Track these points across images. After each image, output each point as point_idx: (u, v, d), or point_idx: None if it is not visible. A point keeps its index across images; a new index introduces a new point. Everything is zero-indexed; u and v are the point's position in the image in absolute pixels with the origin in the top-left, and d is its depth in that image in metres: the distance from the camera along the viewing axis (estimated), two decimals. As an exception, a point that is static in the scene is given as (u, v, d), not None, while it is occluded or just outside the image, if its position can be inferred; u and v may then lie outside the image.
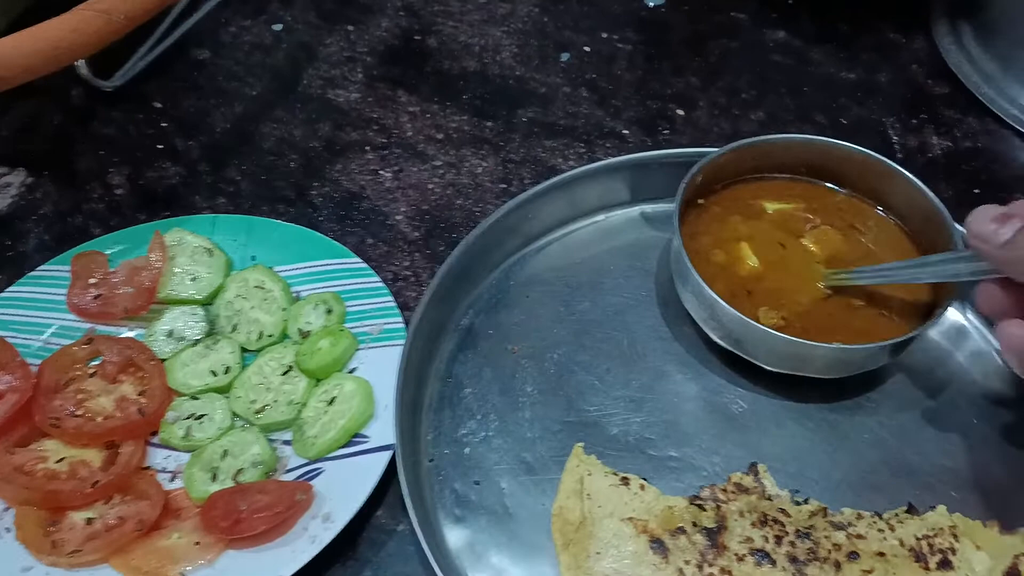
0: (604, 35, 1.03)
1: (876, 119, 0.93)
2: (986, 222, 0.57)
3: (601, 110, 0.95)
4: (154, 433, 0.68)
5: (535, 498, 0.65)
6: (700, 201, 0.76)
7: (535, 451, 0.67)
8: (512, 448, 0.67)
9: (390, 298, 0.72)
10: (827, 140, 0.75)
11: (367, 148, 0.91)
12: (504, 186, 0.88)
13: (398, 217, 0.85)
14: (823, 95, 0.96)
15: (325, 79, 0.98)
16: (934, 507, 0.62)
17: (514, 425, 0.69)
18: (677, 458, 0.67)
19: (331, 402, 0.66)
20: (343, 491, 0.62)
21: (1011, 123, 0.92)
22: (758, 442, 0.67)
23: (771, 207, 0.76)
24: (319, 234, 0.77)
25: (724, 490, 0.63)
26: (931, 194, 0.70)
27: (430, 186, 0.87)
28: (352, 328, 0.71)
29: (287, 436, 0.67)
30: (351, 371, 0.69)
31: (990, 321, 0.73)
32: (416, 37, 1.03)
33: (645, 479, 0.64)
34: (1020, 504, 0.64)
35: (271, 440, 0.67)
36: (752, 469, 0.65)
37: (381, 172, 0.89)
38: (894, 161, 0.74)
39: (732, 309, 0.65)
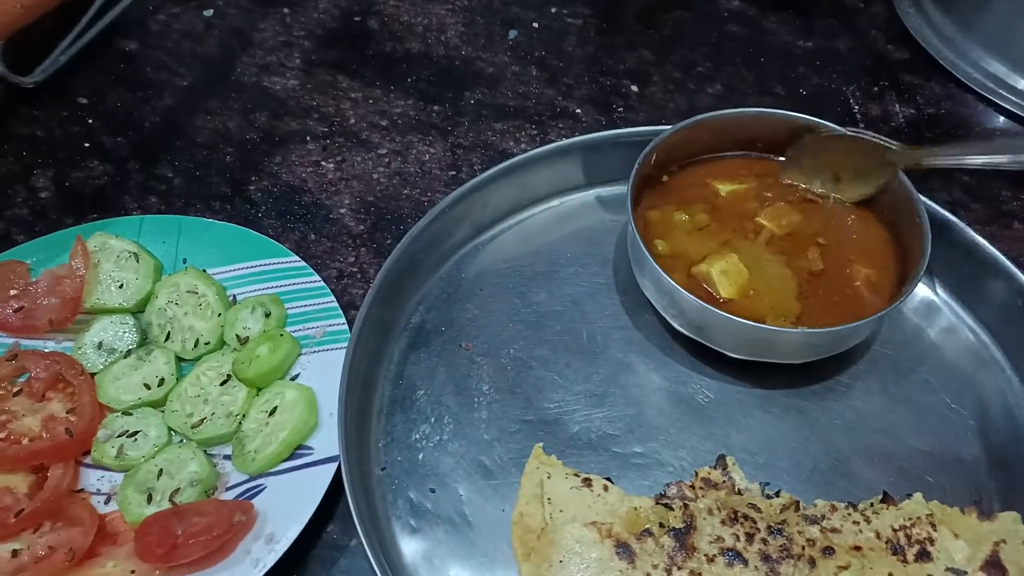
0: (553, 10, 0.99)
1: (837, 88, 0.90)
2: None
3: (552, 89, 0.91)
4: (86, 453, 0.64)
5: (494, 504, 0.61)
6: (664, 179, 0.72)
7: (493, 454, 0.64)
8: (469, 452, 0.64)
9: (331, 298, 0.68)
10: (779, 113, 0.72)
11: (307, 138, 0.86)
12: (453, 173, 0.83)
13: (342, 210, 0.80)
14: (781, 65, 0.93)
15: (261, 66, 0.93)
16: (910, 495, 0.59)
17: (470, 427, 0.65)
18: (642, 454, 0.64)
19: (272, 412, 0.62)
20: (287, 508, 0.58)
21: (973, 87, 0.89)
22: (726, 433, 0.64)
23: (724, 188, 0.72)
24: (254, 232, 0.73)
25: (692, 486, 0.60)
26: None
27: (375, 176, 0.83)
28: (293, 331, 0.67)
29: (227, 450, 0.63)
30: (293, 378, 0.65)
31: (960, 295, 0.71)
32: (356, 18, 0.98)
33: (609, 479, 0.60)
34: (997, 486, 0.62)
35: (210, 455, 0.63)
36: (720, 462, 0.62)
37: (323, 163, 0.84)
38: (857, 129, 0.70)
39: (691, 296, 0.61)
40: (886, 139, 0.68)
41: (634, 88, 0.91)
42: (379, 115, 0.88)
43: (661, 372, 0.68)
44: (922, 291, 0.72)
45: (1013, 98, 0.87)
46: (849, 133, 0.70)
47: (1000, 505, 0.61)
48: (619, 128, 0.85)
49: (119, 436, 0.63)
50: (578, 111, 0.89)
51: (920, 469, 0.62)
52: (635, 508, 0.58)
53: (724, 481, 0.61)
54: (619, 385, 0.67)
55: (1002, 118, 0.88)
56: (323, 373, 0.64)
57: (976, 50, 0.90)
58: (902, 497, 0.60)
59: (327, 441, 0.61)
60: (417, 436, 0.64)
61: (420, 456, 0.63)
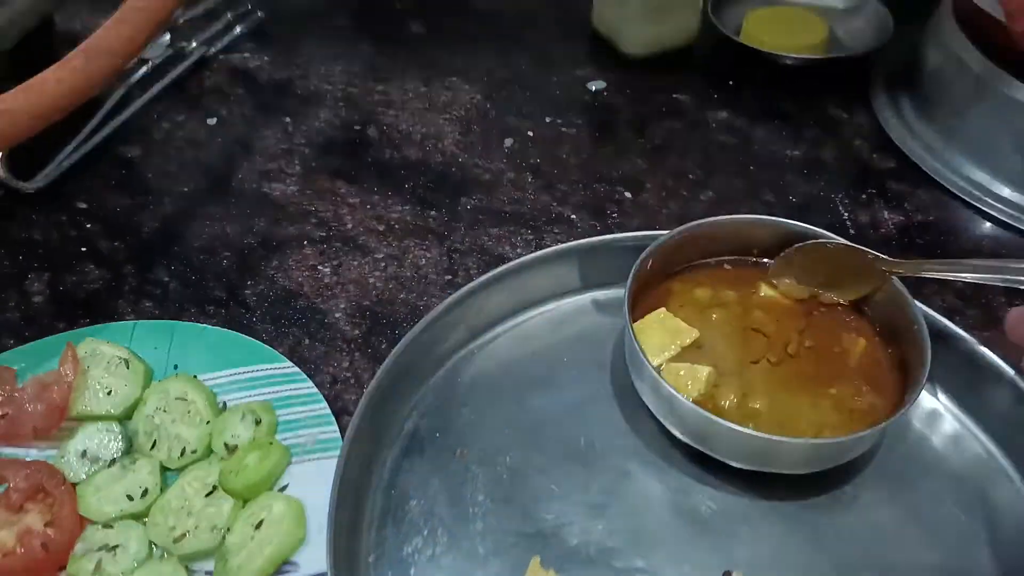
0: (547, 119, 1.02)
1: (825, 195, 0.92)
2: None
3: (547, 195, 0.92)
4: (62, 568, 0.61)
5: (490, 626, 0.58)
6: (673, 282, 0.73)
7: (489, 569, 0.61)
8: (463, 567, 0.61)
9: (324, 405, 0.67)
10: (776, 220, 0.73)
11: (305, 243, 0.87)
12: (449, 277, 0.83)
13: (337, 315, 0.80)
14: (770, 173, 0.95)
15: (261, 172, 0.95)
16: (924, 615, 0.57)
17: (465, 540, 0.62)
18: (644, 569, 0.61)
19: (259, 526, 0.60)
20: (271, 631, 0.55)
21: (959, 195, 0.91)
22: (730, 547, 0.62)
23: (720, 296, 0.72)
24: (247, 337, 0.72)
25: (697, 605, 0.57)
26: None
27: (371, 280, 0.83)
28: (284, 440, 0.65)
29: (210, 566, 0.60)
30: (282, 488, 0.63)
31: (963, 402, 0.70)
32: (356, 127, 1.01)
33: (610, 596, 0.58)
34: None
35: (192, 571, 0.60)
36: (726, 577, 0.59)
37: (319, 267, 0.84)
38: (847, 237, 0.71)
39: (691, 404, 0.60)
40: (877, 253, 0.69)
41: (627, 195, 0.92)
42: (376, 220, 0.89)
43: (662, 481, 0.66)
44: (925, 398, 0.71)
45: (998, 204, 0.89)
46: (841, 244, 0.70)
47: (1019, 624, 0.58)
48: (614, 232, 0.86)
49: (98, 550, 0.61)
50: (573, 216, 0.90)
51: (935, 587, 0.60)
52: (638, 629, 0.55)
53: (730, 599, 0.58)
54: (619, 495, 0.65)
55: (988, 224, 0.89)
56: (313, 483, 0.62)
57: (958, 158, 0.92)
58: (917, 617, 0.57)
59: (314, 556, 0.58)
60: (409, 550, 0.62)
61: (412, 572, 0.61)
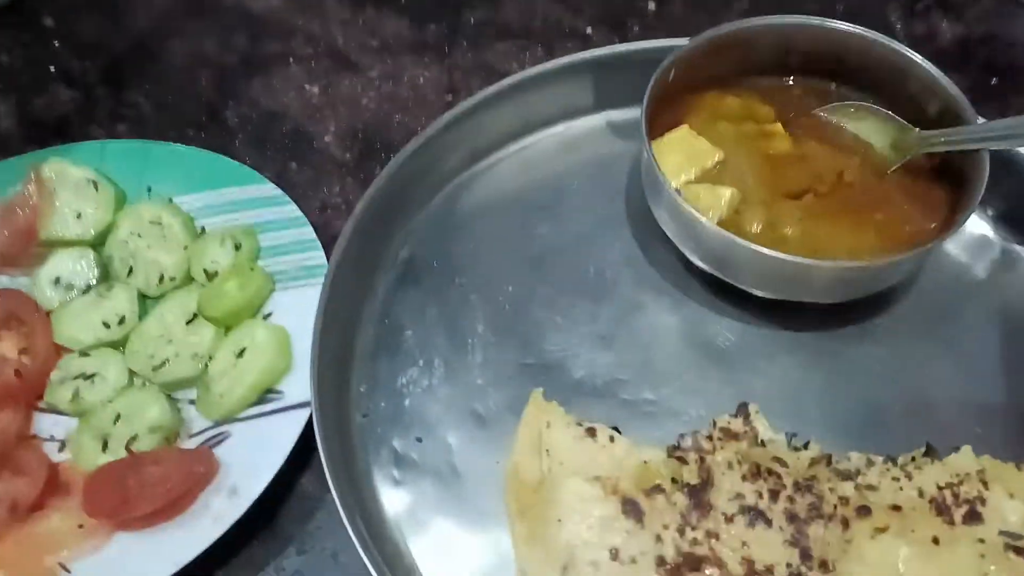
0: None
1: (877, 4, 0.81)
2: None
3: (561, 6, 0.82)
4: (40, 396, 0.58)
5: (487, 455, 0.55)
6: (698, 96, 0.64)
7: (487, 400, 0.57)
8: (460, 398, 0.57)
9: (309, 229, 0.61)
10: (819, 22, 0.63)
11: (290, 60, 0.79)
12: (450, 97, 0.76)
13: (327, 138, 0.73)
14: (815, -21, 0.84)
15: (242, -16, 0.85)
16: (957, 448, 0.52)
17: (463, 371, 0.58)
18: (654, 402, 0.57)
19: (241, 354, 0.56)
20: (253, 458, 0.52)
21: (1028, 3, 0.80)
22: (748, 379, 0.57)
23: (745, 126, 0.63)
24: (225, 158, 0.66)
25: (709, 437, 0.53)
26: (948, 82, 0.59)
27: (364, 101, 0.75)
28: (267, 266, 0.60)
29: (193, 395, 0.57)
30: (266, 316, 0.58)
31: (1018, 229, 0.63)
32: (348, -71, 0.89)
33: (616, 428, 0.54)
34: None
35: (174, 399, 0.57)
36: (741, 410, 0.55)
37: (307, 87, 0.77)
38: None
39: (714, 226, 0.54)
40: (904, 123, 0.61)
41: (651, 5, 0.82)
42: (370, 35, 0.80)
43: (677, 312, 0.61)
44: (973, 223, 0.64)
45: (1075, 14, 0.78)
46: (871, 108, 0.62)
47: (1060, 460, 0.53)
48: (634, 47, 0.77)
49: (75, 378, 0.58)
50: (589, 31, 0.80)
51: (968, 420, 0.55)
52: (645, 462, 0.51)
53: (746, 431, 0.54)
54: (629, 326, 0.60)
55: (1060, 37, 0.78)
56: (298, 311, 0.58)
57: (1035, -40, 0.80)
58: (948, 450, 0.53)
59: (300, 385, 0.54)
60: (403, 381, 0.58)
61: (406, 402, 0.57)
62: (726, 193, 0.59)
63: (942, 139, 0.58)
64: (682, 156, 0.61)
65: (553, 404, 0.55)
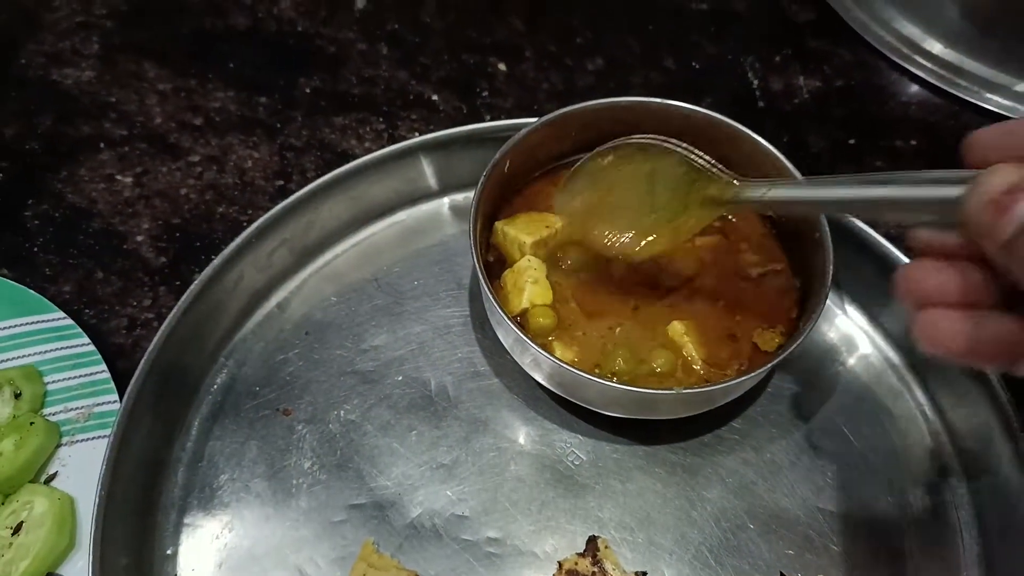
0: (406, -27, 0.83)
1: (734, 58, 0.78)
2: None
3: (405, 71, 0.76)
4: None
5: (313, 623, 0.49)
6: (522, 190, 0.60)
7: (313, 555, 0.51)
8: (283, 554, 0.51)
9: (103, 368, 0.54)
10: (652, 101, 0.58)
11: (102, 145, 0.70)
12: (281, 183, 0.69)
13: (139, 238, 0.65)
14: (671, 31, 0.80)
15: (49, 55, 0.76)
16: (811, 579, 0.49)
17: (287, 520, 0.52)
18: (498, 541, 0.52)
19: (18, 529, 0.49)
20: (29, 667, 0.45)
21: (885, 52, 0.78)
22: (599, 505, 0.53)
23: None
24: (4, 279, 0.57)
25: (554, 585, 0.49)
26: (783, 159, 0.55)
27: (183, 191, 0.68)
28: (52, 415, 0.53)
29: (-31, 579, 0.49)
30: (49, 479, 0.51)
31: (870, 313, 0.61)
32: (168, -11, 0.81)
33: (453, 581, 0.49)
34: (911, 548, 0.52)
35: (-53, 586, 0.49)
36: (590, 546, 0.51)
37: (118, 177, 0.69)
38: (755, 108, 0.58)
39: (550, 357, 0.49)
40: (720, 168, 0.48)
41: (501, 66, 0.77)
42: (192, 112, 0.73)
43: (524, 430, 0.56)
44: (829, 310, 0.61)
45: (927, 64, 0.76)
46: (672, 147, 0.50)
47: (916, 570, 0.51)
48: (484, 115, 0.73)
49: None
50: (435, 98, 0.75)
51: (824, 535, 0.52)
52: (479, 627, 0.47)
53: (594, 572, 0.50)
54: (472, 451, 0.55)
55: (916, 86, 0.77)
56: (89, 469, 0.50)
57: (888, 10, 0.78)
58: (802, 581, 0.50)
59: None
60: (218, 537, 0.52)
61: (220, 565, 0.51)
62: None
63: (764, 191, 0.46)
64: (530, 224, 0.57)
65: (385, 557, 0.50)
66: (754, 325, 0.54)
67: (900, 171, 0.38)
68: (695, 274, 0.56)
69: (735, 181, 0.47)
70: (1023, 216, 0.31)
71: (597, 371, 0.51)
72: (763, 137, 0.56)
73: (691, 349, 0.52)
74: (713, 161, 0.48)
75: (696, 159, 0.48)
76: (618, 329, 0.54)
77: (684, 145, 0.49)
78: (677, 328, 0.53)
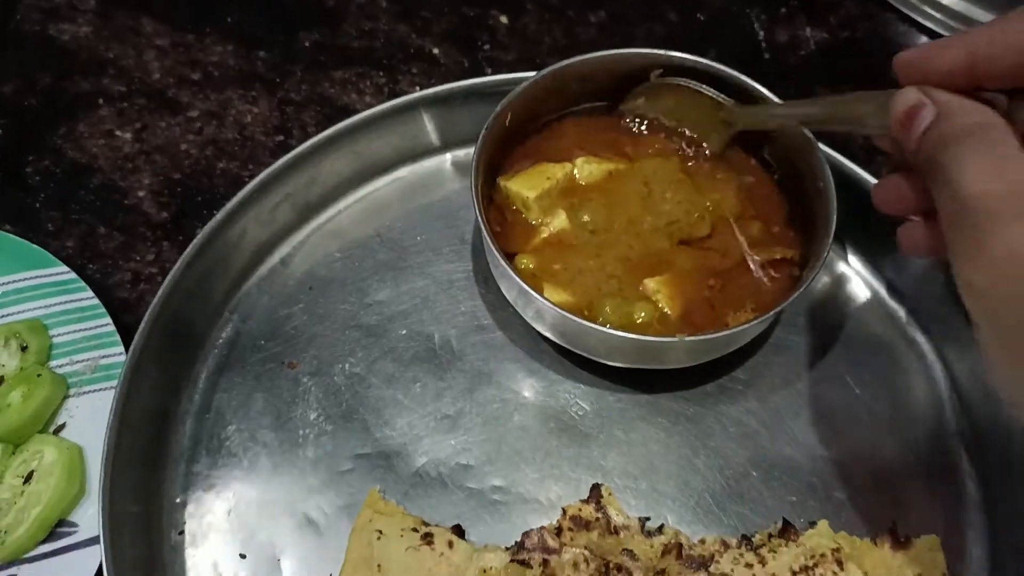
0: (406, -76, 0.82)
1: (739, 10, 0.77)
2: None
3: (405, 24, 0.75)
4: None
5: (321, 569, 0.50)
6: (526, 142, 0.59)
7: (322, 503, 0.52)
8: (290, 502, 0.52)
9: (108, 320, 0.54)
10: (656, 53, 0.58)
11: (100, 101, 0.70)
12: (281, 138, 0.69)
13: (140, 193, 0.65)
14: (676, -17, 0.79)
15: (45, 11, 0.75)
16: (814, 523, 0.50)
17: (293, 470, 0.53)
18: (502, 489, 0.53)
19: (28, 478, 0.49)
20: (42, 610, 0.46)
21: (895, 3, 0.77)
22: (602, 454, 0.54)
23: (587, 168, 0.58)
24: (10, 236, 0.57)
25: (558, 530, 0.49)
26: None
27: (183, 146, 0.68)
28: (59, 367, 0.53)
29: (-21, 527, 0.50)
30: (57, 429, 0.52)
31: (874, 265, 0.61)
32: (163, -57, 0.80)
33: (459, 527, 0.50)
34: (914, 496, 0.52)
35: (-41, 534, 0.50)
36: (594, 494, 0.51)
37: (118, 133, 0.68)
38: (760, 61, 0.58)
39: (555, 307, 0.49)
40: (721, 95, 0.57)
41: (503, 19, 0.76)
42: (190, 66, 0.72)
43: (527, 381, 0.57)
44: (832, 261, 0.61)
45: (936, 14, 0.75)
46: (686, 85, 0.58)
47: (919, 518, 0.52)
48: (485, 69, 0.72)
49: None
50: (436, 51, 0.74)
51: (827, 482, 0.53)
52: (484, 571, 0.47)
53: (598, 518, 0.50)
54: (476, 402, 0.56)
55: (924, 37, 0.76)
56: (97, 419, 0.51)
57: (897, -42, 0.77)
58: (805, 525, 0.50)
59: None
60: (226, 486, 0.52)
61: (228, 512, 0.52)
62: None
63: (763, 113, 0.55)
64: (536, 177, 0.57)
65: (391, 504, 0.51)
66: (737, 305, 0.53)
67: (852, 92, 0.47)
68: (705, 236, 0.56)
69: (735, 108, 0.56)
70: (919, 130, 0.38)
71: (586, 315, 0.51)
72: (768, 89, 0.55)
73: (664, 304, 0.52)
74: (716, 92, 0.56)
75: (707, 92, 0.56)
76: (612, 280, 0.53)
77: (693, 83, 0.57)
78: (649, 285, 0.53)
